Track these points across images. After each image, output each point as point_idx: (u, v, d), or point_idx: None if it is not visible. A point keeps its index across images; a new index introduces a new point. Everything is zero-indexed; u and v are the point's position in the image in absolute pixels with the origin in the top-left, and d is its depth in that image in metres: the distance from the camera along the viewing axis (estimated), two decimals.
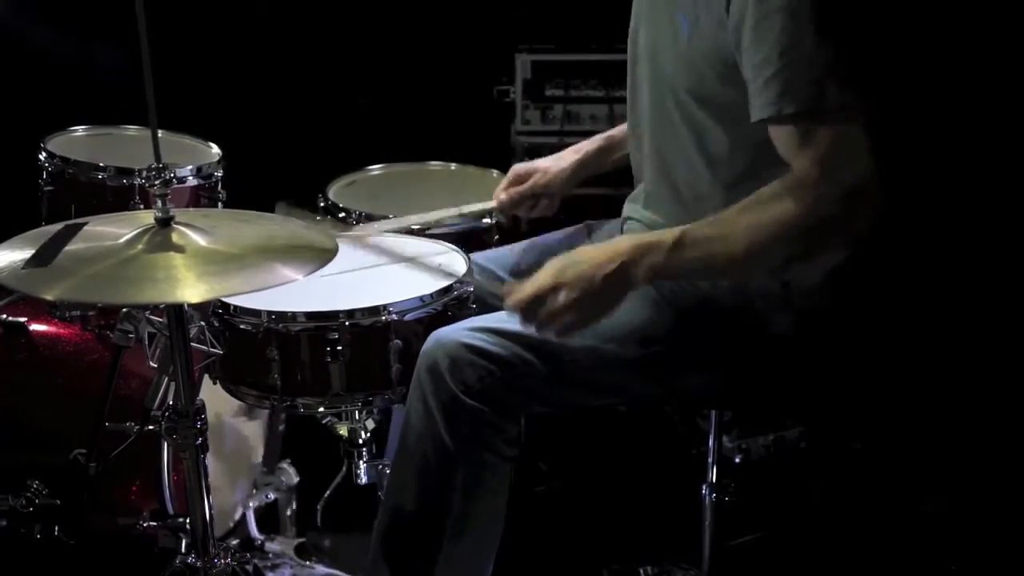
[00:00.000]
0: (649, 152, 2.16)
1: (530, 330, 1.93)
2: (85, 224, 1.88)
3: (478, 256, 2.35)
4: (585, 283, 1.88)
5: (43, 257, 1.76)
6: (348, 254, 2.23)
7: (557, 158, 2.52)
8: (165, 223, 1.81)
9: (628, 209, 2.27)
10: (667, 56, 2.05)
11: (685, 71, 2.01)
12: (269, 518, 2.82)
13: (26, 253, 1.78)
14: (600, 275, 1.88)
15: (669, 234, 1.90)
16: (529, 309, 1.91)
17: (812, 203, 1.84)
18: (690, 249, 1.89)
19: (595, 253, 1.92)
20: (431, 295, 2.11)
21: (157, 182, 1.82)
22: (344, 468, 2.41)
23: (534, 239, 2.43)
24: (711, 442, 2.38)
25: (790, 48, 1.83)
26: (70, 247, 1.79)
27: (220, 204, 2.59)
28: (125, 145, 2.67)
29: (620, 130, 2.46)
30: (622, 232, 2.32)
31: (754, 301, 2.07)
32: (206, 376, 2.21)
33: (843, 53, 1.85)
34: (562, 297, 1.88)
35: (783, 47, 1.84)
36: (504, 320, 2.05)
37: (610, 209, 2.36)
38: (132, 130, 2.75)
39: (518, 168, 2.54)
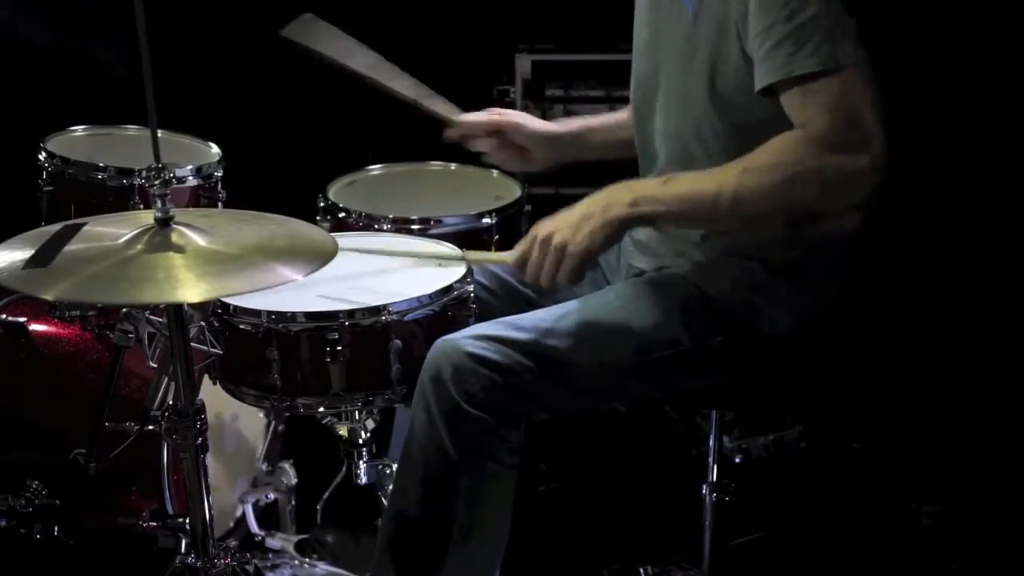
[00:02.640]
0: (663, 140, 2.15)
1: (538, 286, 2.00)
2: (85, 224, 1.88)
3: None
4: (575, 219, 1.95)
5: (43, 257, 1.76)
6: (348, 254, 2.22)
7: (543, 122, 2.57)
8: (165, 223, 1.81)
9: None
10: (673, 38, 2.06)
11: (692, 52, 2.03)
12: (269, 518, 2.82)
13: (26, 253, 1.78)
14: (588, 210, 1.95)
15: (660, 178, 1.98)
16: (524, 258, 1.98)
17: (816, 150, 1.86)
18: (680, 184, 1.94)
19: (585, 200, 1.98)
20: (431, 295, 2.11)
21: (157, 182, 1.82)
22: (344, 468, 2.41)
23: None
24: (711, 442, 2.38)
25: (798, 10, 1.86)
26: (70, 247, 1.79)
27: (220, 204, 2.59)
28: (125, 145, 2.66)
29: (610, 118, 2.46)
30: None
31: (755, 302, 2.07)
32: (206, 376, 2.20)
33: (850, 12, 1.88)
34: (556, 239, 1.95)
35: (791, 10, 1.86)
36: (507, 328, 2.06)
37: None
38: (132, 130, 2.75)
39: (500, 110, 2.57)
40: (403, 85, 2.51)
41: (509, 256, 2.07)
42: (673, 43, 2.09)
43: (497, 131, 2.55)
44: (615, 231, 1.95)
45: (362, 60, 2.46)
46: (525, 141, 2.54)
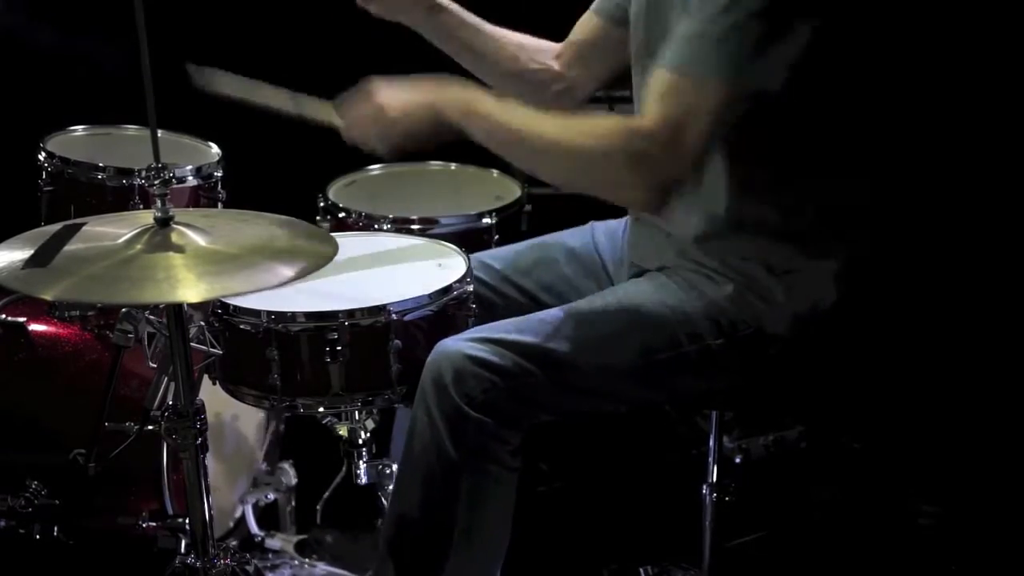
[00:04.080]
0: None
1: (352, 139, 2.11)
2: (84, 224, 1.88)
3: (478, 255, 2.34)
4: (409, 100, 2.05)
5: (42, 257, 1.76)
6: (348, 254, 2.22)
7: None
8: (165, 223, 1.81)
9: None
10: (664, 14, 2.06)
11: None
12: (269, 518, 2.82)
13: (25, 253, 1.78)
14: (426, 97, 2.04)
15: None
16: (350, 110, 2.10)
17: (626, 134, 1.90)
18: (511, 104, 2.01)
19: (430, 82, 2.06)
20: (431, 295, 2.11)
21: (157, 182, 1.82)
22: (344, 468, 2.41)
23: (535, 239, 2.43)
24: (711, 442, 2.37)
25: (719, 17, 1.86)
26: (69, 247, 1.79)
27: (220, 204, 2.59)
28: (125, 145, 2.66)
29: (495, 32, 2.42)
30: (624, 231, 2.32)
31: (755, 303, 2.07)
32: (206, 376, 2.20)
33: (764, 42, 1.87)
34: (385, 110, 2.06)
35: (715, 13, 1.87)
36: (507, 330, 2.06)
37: (610, 209, 2.36)
38: (132, 130, 2.75)
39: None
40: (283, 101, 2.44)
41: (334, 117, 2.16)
42: (663, 17, 2.09)
43: None
44: (437, 127, 2.03)
45: (263, 94, 2.43)
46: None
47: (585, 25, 2.40)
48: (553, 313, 2.11)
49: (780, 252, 2.06)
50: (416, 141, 2.07)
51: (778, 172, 2.02)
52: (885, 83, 2.02)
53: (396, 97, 2.07)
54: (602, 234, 2.38)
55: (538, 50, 2.43)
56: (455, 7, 2.37)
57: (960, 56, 3.30)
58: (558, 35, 2.46)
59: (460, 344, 2.03)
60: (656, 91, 1.91)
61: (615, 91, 3.74)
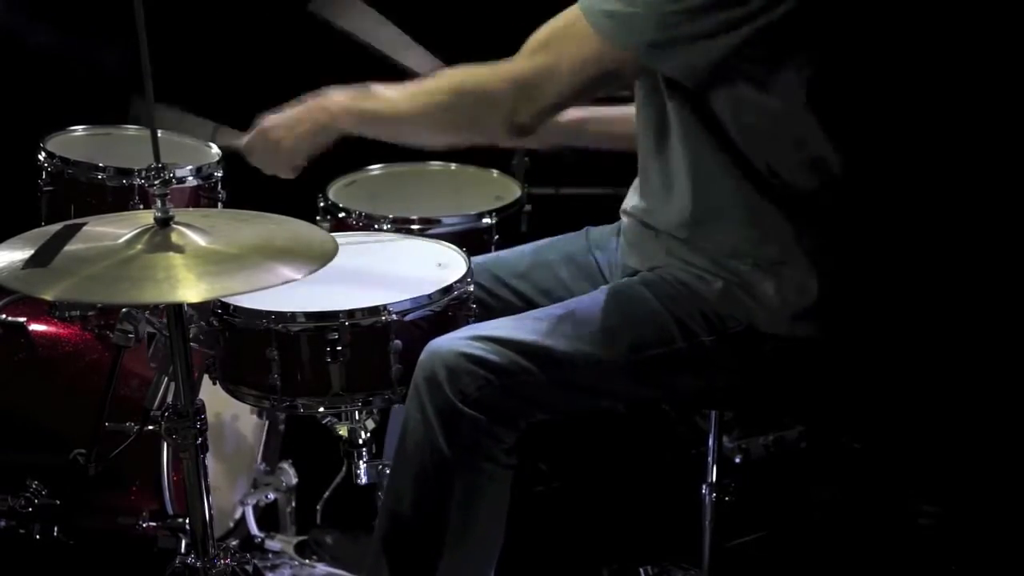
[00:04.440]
0: (644, 142, 2.16)
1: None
2: (84, 224, 1.87)
3: (478, 259, 2.34)
4: (292, 120, 2.21)
5: (42, 257, 1.76)
6: (348, 254, 2.22)
7: None
8: (165, 223, 1.81)
9: (625, 202, 2.27)
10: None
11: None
12: (269, 518, 2.82)
13: (25, 253, 1.78)
14: (304, 114, 2.20)
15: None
16: (252, 149, 2.28)
17: (498, 71, 2.02)
18: (374, 101, 2.15)
19: (307, 101, 2.22)
20: (431, 295, 2.11)
21: (156, 182, 1.82)
22: (344, 468, 2.41)
23: (531, 243, 2.43)
24: (711, 442, 2.38)
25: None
26: (69, 247, 1.79)
27: (220, 204, 2.59)
28: (125, 145, 2.66)
29: (613, 111, 2.45)
30: (619, 235, 2.32)
31: (745, 300, 2.07)
32: (206, 376, 2.20)
33: (713, 35, 1.90)
34: (271, 135, 2.24)
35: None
36: (501, 328, 2.06)
37: (609, 209, 2.36)
38: (132, 130, 2.74)
39: None
40: (416, 60, 2.55)
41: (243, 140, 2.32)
42: None
43: None
44: (321, 135, 2.20)
45: (382, 35, 2.52)
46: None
47: None
48: (546, 311, 2.12)
49: (768, 251, 2.06)
50: (308, 155, 2.24)
51: (738, 163, 2.02)
52: (885, 85, 2.02)
53: (280, 121, 2.23)
54: (597, 239, 2.38)
55: None
56: (590, 111, 2.45)
57: (959, 57, 3.30)
58: None
59: (454, 342, 2.03)
60: (544, 35, 2.03)
61: (615, 91, 3.76)
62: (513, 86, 2.02)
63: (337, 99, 2.19)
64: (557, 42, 2.01)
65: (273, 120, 2.25)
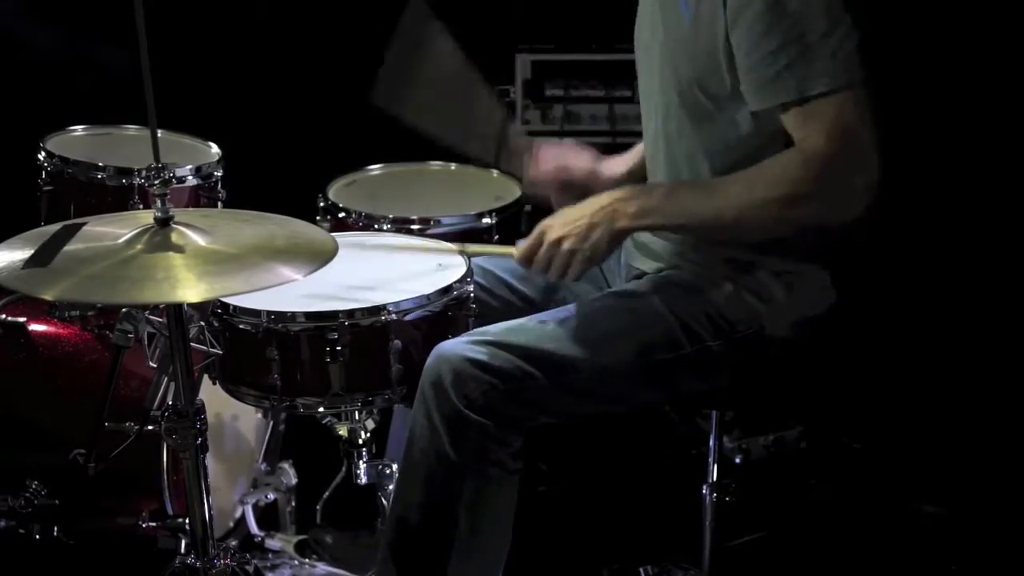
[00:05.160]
0: (655, 142, 2.16)
1: (539, 278, 2.14)
2: (84, 224, 1.87)
3: (476, 260, 2.34)
4: (584, 226, 2.01)
5: (42, 257, 1.76)
6: (348, 254, 2.22)
7: (612, 161, 2.44)
8: (164, 223, 1.81)
9: None
10: (671, 42, 2.06)
11: (688, 58, 2.02)
12: (269, 518, 2.82)
13: (25, 253, 1.78)
14: (596, 218, 2.01)
15: (664, 184, 2.06)
16: (530, 256, 2.06)
17: (815, 168, 1.91)
18: (684, 198, 2.00)
19: (592, 199, 2.05)
20: (431, 295, 2.11)
21: (156, 182, 1.82)
22: (344, 468, 2.41)
23: None
24: (711, 442, 2.37)
25: (808, 30, 1.88)
26: (69, 247, 1.79)
27: (220, 204, 2.59)
28: (125, 145, 2.66)
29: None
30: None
31: (754, 305, 2.07)
32: (206, 376, 2.20)
33: (855, 22, 1.90)
34: (565, 244, 2.02)
35: (800, 31, 1.89)
36: (507, 332, 2.06)
37: None
38: (132, 130, 2.75)
39: (570, 157, 2.43)
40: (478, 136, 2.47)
41: (512, 250, 2.11)
42: (667, 46, 2.09)
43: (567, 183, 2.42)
44: (619, 240, 2.04)
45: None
46: (594, 185, 2.38)
47: None
48: (552, 315, 2.11)
49: (777, 256, 2.06)
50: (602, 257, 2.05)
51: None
52: (885, 84, 2.02)
53: (579, 236, 2.03)
54: None
55: None
56: (634, 161, 2.39)
57: (960, 57, 3.31)
58: None
59: (459, 347, 2.03)
60: (802, 123, 1.92)
61: (615, 91, 3.76)
62: (826, 171, 1.92)
63: (641, 199, 2.02)
64: (822, 116, 1.92)
65: (559, 229, 2.05)
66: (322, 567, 2.66)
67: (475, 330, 2.11)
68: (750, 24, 1.91)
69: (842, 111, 1.90)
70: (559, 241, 2.03)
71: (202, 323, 2.05)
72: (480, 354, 2.01)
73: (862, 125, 1.91)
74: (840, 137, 1.90)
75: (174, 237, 1.80)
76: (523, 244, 2.09)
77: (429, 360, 2.03)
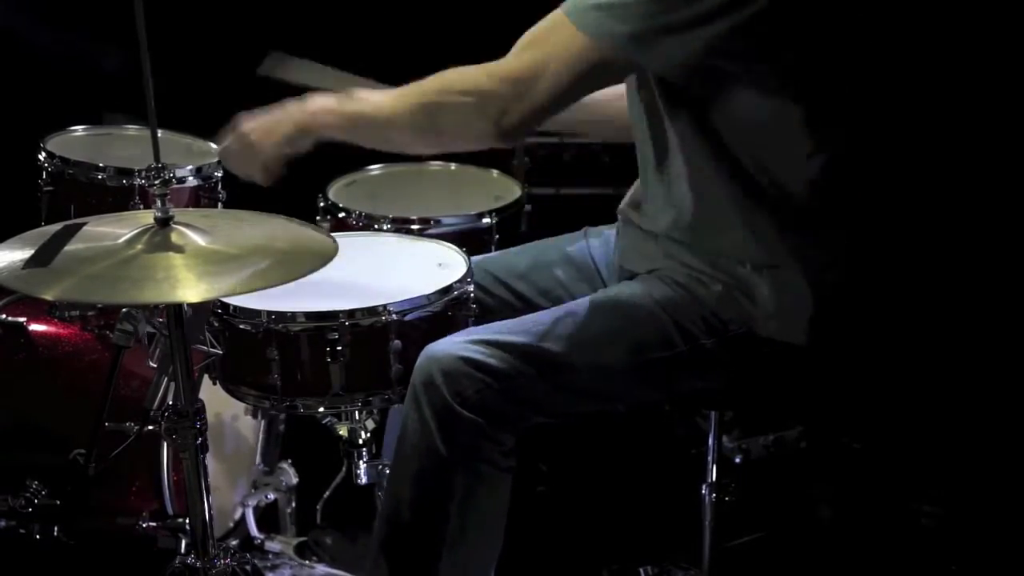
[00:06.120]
0: (640, 143, 2.16)
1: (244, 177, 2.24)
2: (84, 224, 1.87)
3: (478, 259, 2.34)
4: (271, 122, 2.16)
5: (42, 257, 1.76)
6: (348, 254, 2.22)
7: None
8: (164, 223, 1.81)
9: (623, 204, 2.26)
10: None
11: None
12: (269, 518, 2.82)
13: (26, 253, 1.78)
14: (282, 115, 2.15)
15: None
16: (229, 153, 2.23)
17: (492, 78, 1.99)
18: (363, 93, 2.11)
19: (287, 105, 2.17)
20: (431, 295, 2.11)
21: (157, 182, 1.82)
22: (344, 468, 2.41)
23: (530, 244, 2.43)
24: (711, 442, 2.38)
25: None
26: (69, 247, 1.79)
27: (220, 204, 2.59)
28: (125, 145, 2.66)
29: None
30: (617, 234, 2.31)
31: (744, 303, 2.07)
32: (206, 376, 2.20)
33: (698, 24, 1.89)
34: (250, 137, 2.17)
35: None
36: (499, 331, 2.06)
37: (609, 209, 2.36)
38: (132, 130, 2.75)
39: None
40: None
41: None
42: None
43: None
44: (300, 139, 2.14)
45: (335, 82, 2.45)
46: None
47: None
48: (546, 314, 2.12)
49: (767, 254, 2.06)
50: (285, 160, 2.18)
51: (736, 170, 2.02)
52: (885, 85, 2.02)
53: (258, 124, 2.18)
54: (596, 239, 2.38)
55: None
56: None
57: (960, 57, 3.30)
58: None
59: (451, 346, 2.03)
60: (531, 35, 2.00)
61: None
62: (503, 84, 1.99)
63: (319, 101, 2.13)
64: (544, 41, 1.98)
65: (251, 122, 2.19)
66: (322, 568, 2.67)
67: (467, 329, 2.11)
68: None
69: (571, 57, 1.94)
70: (247, 134, 2.17)
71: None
72: (473, 353, 2.01)
73: (554, 75, 1.94)
74: (540, 72, 1.95)
75: (174, 237, 1.80)
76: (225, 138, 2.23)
77: (420, 359, 2.03)
